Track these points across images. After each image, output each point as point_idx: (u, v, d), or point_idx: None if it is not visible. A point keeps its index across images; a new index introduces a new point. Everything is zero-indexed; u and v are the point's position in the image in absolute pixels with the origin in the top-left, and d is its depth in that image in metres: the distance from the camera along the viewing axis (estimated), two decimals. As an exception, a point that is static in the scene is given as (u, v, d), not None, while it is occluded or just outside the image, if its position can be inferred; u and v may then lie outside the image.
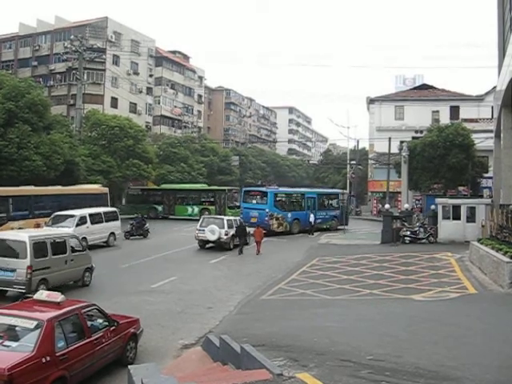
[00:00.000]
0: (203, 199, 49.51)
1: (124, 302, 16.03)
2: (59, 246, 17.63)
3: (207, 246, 29.53)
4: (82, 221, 26.94)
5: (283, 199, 39.43)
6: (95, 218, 28.20)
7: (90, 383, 9.98)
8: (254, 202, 38.51)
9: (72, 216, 26.96)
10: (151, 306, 16.06)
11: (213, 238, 28.53)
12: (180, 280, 20.37)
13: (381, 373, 7.92)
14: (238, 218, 33.44)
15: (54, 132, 37.12)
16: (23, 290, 15.50)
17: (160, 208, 50.74)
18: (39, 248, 16.54)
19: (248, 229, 31.47)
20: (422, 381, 7.56)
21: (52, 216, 27.10)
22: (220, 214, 40.07)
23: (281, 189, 40.54)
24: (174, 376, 7.96)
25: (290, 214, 38.38)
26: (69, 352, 9.09)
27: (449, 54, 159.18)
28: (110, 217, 29.96)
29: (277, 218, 37.50)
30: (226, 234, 28.86)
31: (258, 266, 24.51)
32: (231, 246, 29.17)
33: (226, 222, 29.52)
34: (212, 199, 49.06)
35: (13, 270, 15.90)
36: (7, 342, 8.70)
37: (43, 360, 8.44)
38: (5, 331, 9.03)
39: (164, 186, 55.02)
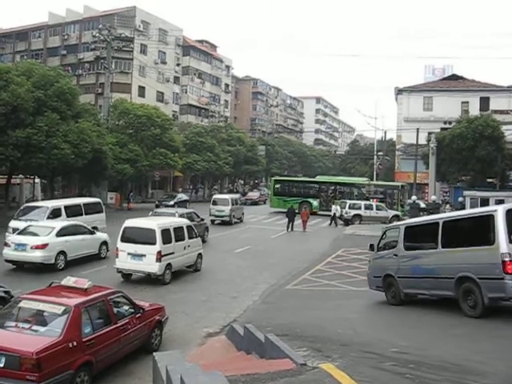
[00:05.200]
0: (370, 195, 44.59)
1: (149, 290, 16.20)
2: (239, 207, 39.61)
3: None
4: (54, 213, 23.65)
5: None
6: (73, 211, 24.79)
7: (116, 369, 10.12)
8: None
9: (42, 207, 24.26)
10: (176, 294, 16.19)
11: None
12: (204, 269, 20.45)
13: (405, 365, 7.84)
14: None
15: (82, 120, 37.34)
16: (228, 219, 36.02)
17: (315, 203, 46.09)
18: (234, 202, 37.90)
19: None
20: (446, 374, 7.45)
21: (22, 207, 25.41)
22: None
23: None
24: (198, 364, 8.03)
25: None
26: (95, 338, 9.21)
27: (480, 44, 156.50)
28: (92, 209, 26.53)
29: None
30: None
31: (283, 255, 24.52)
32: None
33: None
34: (381, 195, 44.65)
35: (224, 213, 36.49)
36: (35, 327, 8.85)
37: (70, 345, 8.56)
38: (33, 316, 9.19)
39: (320, 177, 52.68)
